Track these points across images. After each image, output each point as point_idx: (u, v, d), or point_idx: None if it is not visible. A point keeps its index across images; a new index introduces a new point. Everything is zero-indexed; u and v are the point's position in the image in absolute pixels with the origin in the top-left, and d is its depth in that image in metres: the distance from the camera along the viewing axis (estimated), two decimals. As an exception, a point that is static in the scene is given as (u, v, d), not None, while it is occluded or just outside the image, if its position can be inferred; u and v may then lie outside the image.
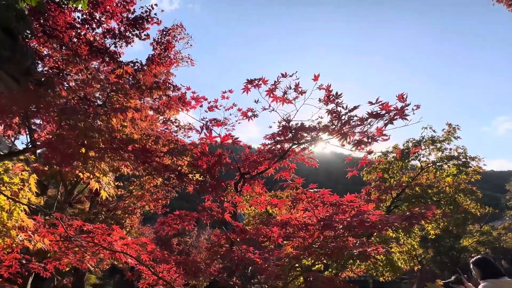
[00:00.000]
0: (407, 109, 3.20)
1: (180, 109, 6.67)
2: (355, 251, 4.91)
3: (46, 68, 9.95)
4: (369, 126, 3.41)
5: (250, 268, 5.04)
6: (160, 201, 15.39)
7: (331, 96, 3.84)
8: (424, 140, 7.90)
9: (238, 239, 5.12)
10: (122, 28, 11.06)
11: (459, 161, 7.36)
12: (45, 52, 9.98)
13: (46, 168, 4.74)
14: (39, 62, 9.85)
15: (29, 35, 5.34)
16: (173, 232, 5.43)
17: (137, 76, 9.08)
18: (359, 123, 3.57)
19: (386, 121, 3.25)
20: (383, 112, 3.29)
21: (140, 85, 5.97)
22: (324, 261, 5.19)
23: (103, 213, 13.69)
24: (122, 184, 16.42)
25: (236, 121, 5.17)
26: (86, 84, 4.88)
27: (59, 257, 5.79)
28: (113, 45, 11.08)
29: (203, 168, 4.18)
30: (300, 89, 4.12)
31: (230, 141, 3.94)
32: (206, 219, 5.09)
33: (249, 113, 5.02)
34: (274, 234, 4.95)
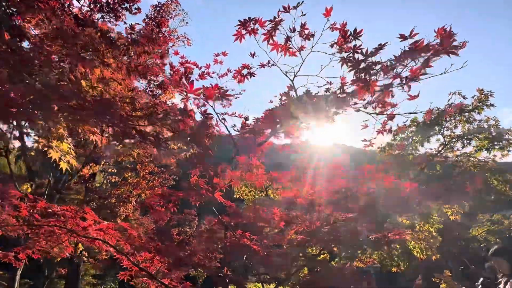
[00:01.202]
0: (455, 39, 2.33)
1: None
2: (371, 236, 4.11)
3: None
4: (402, 67, 2.55)
5: (246, 257, 4.23)
6: (156, 189, 14.67)
7: (347, 37, 2.97)
8: (451, 108, 6.90)
9: (232, 223, 4.32)
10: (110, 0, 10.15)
11: (489, 135, 6.45)
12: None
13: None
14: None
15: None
16: (166, 219, 4.67)
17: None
18: (385, 68, 2.70)
19: (428, 56, 2.37)
20: (422, 48, 2.41)
21: (115, 41, 5.11)
22: (335, 249, 4.42)
23: (96, 201, 12.97)
24: (116, 171, 15.71)
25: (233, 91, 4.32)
26: (49, 39, 4.05)
27: (30, 245, 5.00)
28: (101, 19, 10.21)
29: (186, 133, 3.35)
30: (306, 32, 3.25)
31: (217, 94, 3.09)
32: (194, 200, 4.28)
33: (244, 71, 4.17)
34: (275, 217, 4.14)
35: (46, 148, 3.22)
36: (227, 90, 3.19)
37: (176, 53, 5.69)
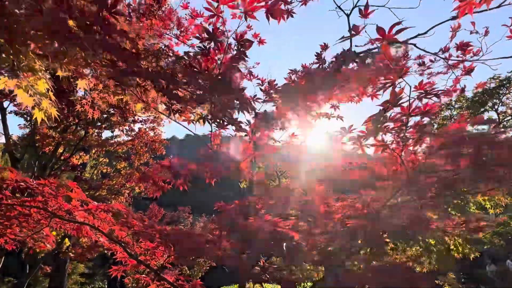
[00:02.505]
0: None
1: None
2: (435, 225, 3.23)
3: None
4: None
5: (276, 249, 3.30)
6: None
7: None
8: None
9: (258, 206, 3.38)
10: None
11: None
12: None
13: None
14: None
15: None
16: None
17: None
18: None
19: None
20: None
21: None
22: (387, 239, 3.53)
23: (85, 192, 11.88)
24: (108, 161, 14.60)
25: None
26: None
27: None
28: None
29: (210, 73, 2.41)
30: None
31: (262, 6, 2.14)
32: (209, 176, 3.33)
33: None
34: (316, 199, 3.22)
35: (13, 88, 2.26)
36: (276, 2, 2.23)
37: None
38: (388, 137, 2.52)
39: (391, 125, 2.39)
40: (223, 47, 2.30)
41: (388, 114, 2.16)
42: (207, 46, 2.30)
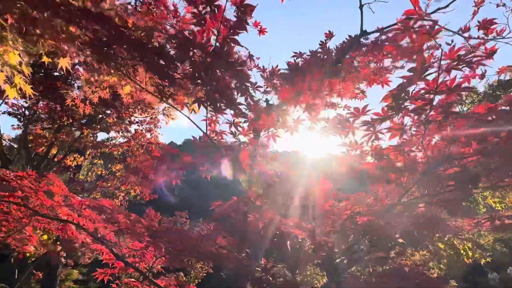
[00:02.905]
0: None
1: None
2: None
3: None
4: None
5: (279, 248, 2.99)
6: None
7: None
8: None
9: (258, 203, 3.08)
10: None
11: None
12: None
13: None
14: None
15: None
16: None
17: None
18: None
19: None
20: None
21: None
22: (400, 240, 3.21)
23: (79, 195, 11.51)
24: (102, 162, 14.24)
25: None
26: None
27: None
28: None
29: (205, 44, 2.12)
30: None
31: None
32: (205, 171, 3.04)
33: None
34: (322, 192, 2.93)
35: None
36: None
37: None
38: (406, 123, 2.23)
39: (410, 106, 2.10)
40: (221, 13, 2.01)
41: (410, 89, 1.87)
42: (202, 12, 2.01)
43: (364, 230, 2.67)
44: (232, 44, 2.11)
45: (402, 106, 1.89)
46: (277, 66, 3.50)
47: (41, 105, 10.38)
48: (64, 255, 11.77)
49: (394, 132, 2.16)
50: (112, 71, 2.57)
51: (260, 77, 3.59)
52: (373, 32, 2.78)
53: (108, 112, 11.45)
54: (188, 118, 2.60)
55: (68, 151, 11.83)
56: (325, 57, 2.87)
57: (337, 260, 2.96)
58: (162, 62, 2.24)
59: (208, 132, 2.71)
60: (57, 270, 13.35)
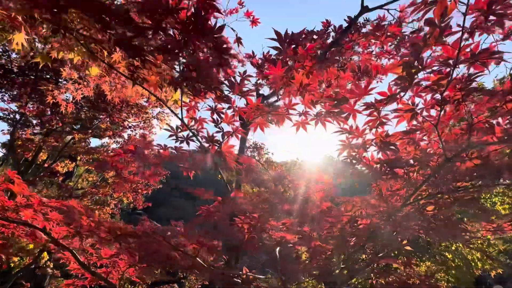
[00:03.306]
0: None
1: None
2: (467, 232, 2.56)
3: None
4: None
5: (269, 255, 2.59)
6: (140, 191, 12.85)
7: None
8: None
9: (246, 201, 2.70)
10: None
11: None
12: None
13: None
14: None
15: None
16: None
17: None
18: None
19: None
20: None
21: None
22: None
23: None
24: (93, 169, 13.80)
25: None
26: None
27: None
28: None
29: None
30: None
31: None
32: (187, 168, 2.67)
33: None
34: (316, 195, 2.55)
35: None
36: None
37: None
38: (418, 103, 1.87)
39: (422, 84, 1.74)
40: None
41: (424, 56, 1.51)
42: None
43: (367, 236, 2.28)
44: (209, 10, 1.76)
45: (415, 77, 1.53)
46: (268, 52, 3.16)
47: (30, 108, 10.06)
48: (51, 265, 11.25)
49: (403, 114, 1.79)
50: (76, 48, 2.21)
51: (251, 66, 3.25)
52: (375, 8, 2.44)
53: (100, 116, 11.12)
54: (162, 102, 2.23)
55: (58, 157, 11.43)
56: (323, 37, 2.53)
57: (337, 271, 2.56)
58: (127, 33, 1.89)
59: (186, 120, 2.35)
60: (45, 281, 12.78)
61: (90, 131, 11.48)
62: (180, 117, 2.17)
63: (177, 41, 1.91)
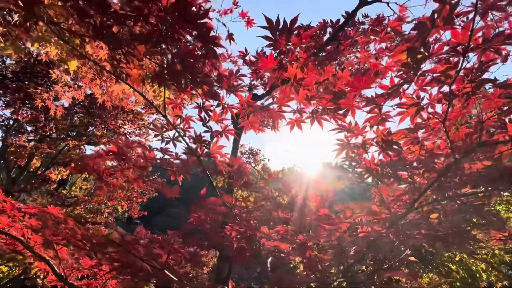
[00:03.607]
0: None
1: None
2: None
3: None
4: None
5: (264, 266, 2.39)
6: (135, 199, 12.60)
7: None
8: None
9: (238, 208, 2.52)
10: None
11: None
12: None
13: None
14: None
15: None
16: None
17: None
18: None
19: None
20: None
21: None
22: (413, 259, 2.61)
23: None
24: (88, 176, 13.55)
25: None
26: None
27: None
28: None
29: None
30: None
31: None
32: (174, 172, 2.50)
33: None
34: (313, 201, 2.37)
35: None
36: None
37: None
38: (423, 97, 1.70)
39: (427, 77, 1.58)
40: None
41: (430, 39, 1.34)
42: None
43: (367, 245, 2.08)
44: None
45: (421, 66, 1.37)
46: (262, 49, 3.01)
47: (24, 114, 9.90)
48: (42, 276, 10.91)
49: (407, 109, 1.62)
50: (53, 40, 2.05)
51: (245, 67, 3.10)
52: (374, 1, 2.29)
53: (95, 123, 10.96)
54: (144, 97, 2.06)
55: (51, 164, 11.21)
56: (319, 34, 2.38)
57: (335, 283, 2.35)
58: (105, 21, 1.73)
59: (171, 119, 2.17)
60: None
61: (85, 138, 11.30)
62: (164, 114, 1.99)
63: (160, 30, 1.75)
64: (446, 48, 1.38)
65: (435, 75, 1.51)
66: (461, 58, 1.38)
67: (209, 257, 17.96)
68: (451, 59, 1.44)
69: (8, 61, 10.05)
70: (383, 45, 2.63)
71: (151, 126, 11.91)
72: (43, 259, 2.57)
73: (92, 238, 1.93)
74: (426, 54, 1.35)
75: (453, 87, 1.55)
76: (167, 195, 2.20)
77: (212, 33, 1.68)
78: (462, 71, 1.45)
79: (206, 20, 1.56)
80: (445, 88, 1.59)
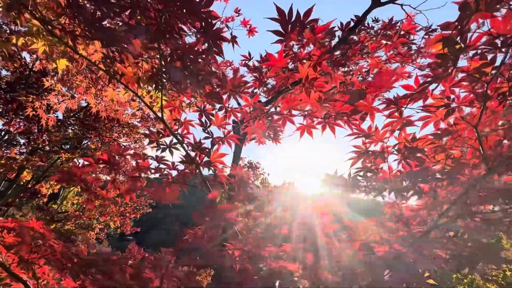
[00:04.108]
0: None
1: None
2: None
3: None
4: None
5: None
6: (128, 214, 12.20)
7: None
8: None
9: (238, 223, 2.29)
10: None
11: None
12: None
13: None
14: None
15: None
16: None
17: None
18: None
19: None
20: None
21: None
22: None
23: (50, 225, 10.35)
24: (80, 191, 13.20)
25: None
26: None
27: None
28: None
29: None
30: None
31: None
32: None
33: None
34: (323, 218, 2.16)
35: None
36: None
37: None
38: (452, 98, 1.52)
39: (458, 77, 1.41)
40: None
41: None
42: None
43: (386, 266, 1.86)
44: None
45: (459, 57, 1.19)
46: (265, 55, 2.85)
47: (17, 125, 9.64)
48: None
49: (434, 111, 1.44)
50: (41, 35, 1.87)
51: (247, 73, 2.94)
52: (388, 2, 2.16)
53: (90, 136, 10.71)
54: (140, 98, 1.87)
55: (42, 177, 10.87)
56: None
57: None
58: (98, 14, 1.56)
59: (169, 123, 1.97)
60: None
61: (79, 151, 11.02)
62: (161, 117, 1.79)
63: (158, 23, 1.57)
64: (484, 39, 1.22)
65: (471, 70, 1.33)
66: (505, 51, 1.21)
67: (202, 276, 17.30)
68: (487, 54, 1.27)
69: (4, 72, 9.89)
70: (395, 50, 2.49)
71: (146, 132, 11.70)
72: (20, 279, 2.29)
73: (73, 257, 1.69)
74: (463, 45, 1.18)
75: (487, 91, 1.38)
76: (164, 200, 1.97)
77: (218, 24, 1.51)
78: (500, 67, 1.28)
79: (209, 9, 1.39)
80: (478, 88, 1.41)
